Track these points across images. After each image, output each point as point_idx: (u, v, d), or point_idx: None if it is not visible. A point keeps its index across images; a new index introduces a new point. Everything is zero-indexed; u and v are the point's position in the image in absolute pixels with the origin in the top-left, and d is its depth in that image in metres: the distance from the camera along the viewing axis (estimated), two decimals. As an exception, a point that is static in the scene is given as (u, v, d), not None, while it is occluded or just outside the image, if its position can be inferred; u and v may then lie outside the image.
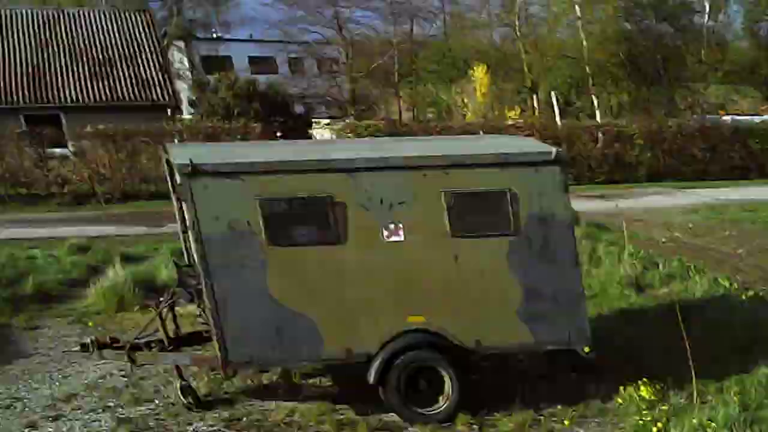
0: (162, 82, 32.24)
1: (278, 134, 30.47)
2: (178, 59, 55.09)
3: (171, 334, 11.48)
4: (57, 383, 11.96)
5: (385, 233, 9.96)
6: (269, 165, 9.77)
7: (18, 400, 11.41)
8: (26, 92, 31.05)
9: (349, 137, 29.10)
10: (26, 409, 11.09)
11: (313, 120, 35.50)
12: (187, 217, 9.81)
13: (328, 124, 34.84)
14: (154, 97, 31.71)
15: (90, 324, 14.53)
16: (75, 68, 32.39)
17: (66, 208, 27.01)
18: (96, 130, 27.50)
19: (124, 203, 27.53)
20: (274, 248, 9.71)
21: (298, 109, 41.99)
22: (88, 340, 11.14)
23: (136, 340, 11.23)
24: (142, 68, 32.71)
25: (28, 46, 33.14)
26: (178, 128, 28.48)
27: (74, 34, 34.15)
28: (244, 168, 9.70)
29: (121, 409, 10.91)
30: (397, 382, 10.03)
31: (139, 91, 31.76)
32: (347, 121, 35.50)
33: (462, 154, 10.33)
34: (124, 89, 31.71)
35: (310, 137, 32.54)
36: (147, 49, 33.76)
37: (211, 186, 9.57)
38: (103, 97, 31.31)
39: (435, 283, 10.05)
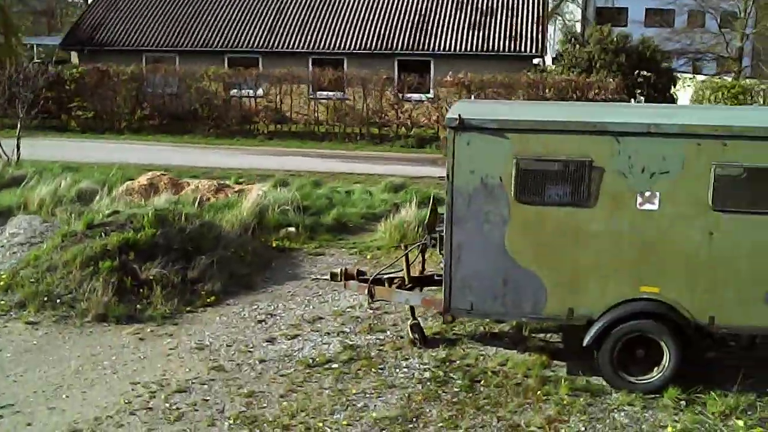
0: (534, 34, 31.93)
1: (637, 93, 28.91)
2: (570, 10, 54.35)
3: (416, 274, 11.61)
4: (311, 306, 12.58)
5: (639, 200, 9.80)
6: (534, 124, 9.94)
7: (271, 316, 12.26)
8: (403, 39, 32.42)
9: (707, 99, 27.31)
10: (274, 325, 11.81)
11: (677, 75, 32.93)
12: (446, 167, 10.25)
13: (688, 83, 32.47)
14: (523, 48, 31.50)
15: (368, 256, 15.04)
16: (455, 17, 33.16)
17: (407, 150, 28.12)
18: (453, 79, 28.14)
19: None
20: (520, 206, 10.00)
21: (675, 64, 39.58)
22: (338, 271, 11.57)
23: (379, 276, 11.50)
24: (519, 18, 32.64)
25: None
26: (534, 79, 28.07)
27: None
28: (508, 125, 9.96)
29: (353, 336, 11.24)
30: (612, 348, 9.92)
31: (510, 42, 31.76)
32: (709, 79, 32.44)
33: (743, 125, 9.60)
34: (496, 39, 31.93)
35: (670, 97, 30.38)
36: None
37: (473, 140, 10.01)
38: (475, 47, 31.76)
39: (681, 255, 9.76)
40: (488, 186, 10.05)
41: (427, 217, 11.87)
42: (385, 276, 11.85)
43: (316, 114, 30.11)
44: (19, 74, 23.59)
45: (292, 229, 16.51)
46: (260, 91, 31.49)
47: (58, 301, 12.43)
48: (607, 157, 9.72)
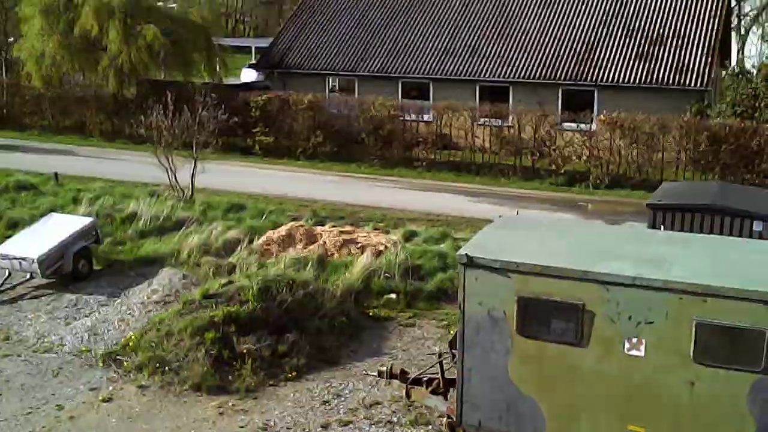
0: (701, 66, 31.38)
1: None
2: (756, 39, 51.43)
3: (448, 377, 12.99)
4: (376, 389, 14.30)
5: (627, 345, 10.73)
6: (532, 267, 11.11)
7: (338, 396, 14.19)
8: (569, 68, 32.91)
9: None
10: (335, 408, 13.70)
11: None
12: (458, 295, 11.69)
13: None
14: (689, 82, 31.05)
15: (452, 331, 16.44)
16: (622, 46, 33.13)
17: (555, 188, 29.01)
18: (605, 118, 28.60)
19: (611, 189, 28.25)
20: (521, 339, 11.26)
21: None
22: (384, 369, 13.18)
23: (418, 377, 13.01)
24: (688, 49, 32.13)
25: (583, 21, 34.78)
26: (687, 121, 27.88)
27: (631, 10, 34.72)
28: (510, 267, 11.24)
29: (398, 428, 12.87)
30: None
31: (677, 75, 31.38)
32: None
33: (724, 286, 10.26)
34: (662, 71, 31.61)
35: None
36: (702, 27, 32.95)
37: (480, 276, 11.39)
38: (640, 79, 31.68)
39: (665, 400, 10.61)
40: (494, 318, 11.30)
41: (451, 334, 13.14)
42: (426, 377, 13.27)
43: (478, 140, 31.29)
44: (200, 110, 25.63)
45: (393, 296, 18.17)
46: (428, 117, 33.34)
47: (167, 367, 14.86)
48: (598, 303, 10.68)
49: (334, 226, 23.66)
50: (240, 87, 38.64)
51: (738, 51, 48.92)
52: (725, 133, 27.27)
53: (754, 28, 50.02)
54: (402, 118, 32.20)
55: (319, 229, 22.73)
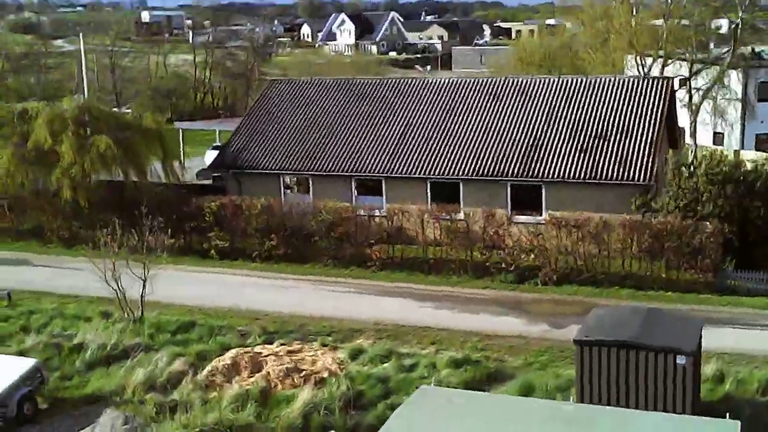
0: (644, 160, 32.13)
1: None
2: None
3: None
4: None
5: None
6: None
7: None
8: (516, 165, 33.59)
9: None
10: None
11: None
12: None
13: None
14: (633, 176, 31.75)
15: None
16: (567, 141, 33.82)
17: (506, 286, 29.45)
18: (549, 218, 29.37)
19: (559, 286, 28.82)
20: None
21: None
22: None
23: None
24: (631, 143, 32.87)
25: (528, 118, 35.63)
26: (632, 219, 28.59)
27: (575, 106, 35.63)
28: None
29: None
30: None
31: (619, 168, 32.07)
32: None
33: None
34: (605, 166, 32.29)
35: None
36: (645, 120, 33.78)
37: None
38: (583, 175, 32.38)
39: None
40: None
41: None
42: None
43: (431, 235, 31.68)
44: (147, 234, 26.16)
45: (332, 432, 18.46)
46: (383, 211, 33.97)
47: None
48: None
49: (282, 344, 24.10)
50: (195, 188, 39.09)
51: (690, 132, 49.71)
52: (666, 231, 27.88)
53: (705, 103, 50.91)
54: (355, 215, 32.61)
55: (265, 352, 23.07)
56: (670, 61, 50.64)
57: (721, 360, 21.45)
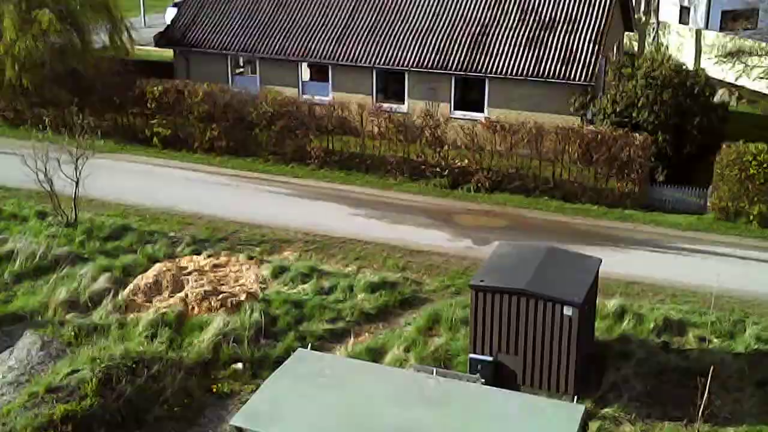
0: (586, 57, 31.81)
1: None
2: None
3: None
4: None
5: None
6: None
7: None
8: (461, 56, 33.19)
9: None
10: None
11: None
12: None
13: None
14: (573, 74, 31.54)
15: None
16: (511, 36, 33.22)
17: (439, 191, 29.96)
18: (486, 122, 29.59)
19: (492, 193, 29.40)
20: None
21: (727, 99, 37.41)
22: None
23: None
24: (576, 35, 32.38)
25: (478, 4, 34.85)
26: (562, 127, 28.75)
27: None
28: None
29: None
30: None
31: (563, 66, 31.77)
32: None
33: None
34: (549, 62, 31.98)
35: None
36: (593, 8, 33.13)
37: None
38: (527, 71, 32.09)
39: None
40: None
41: None
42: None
43: (374, 126, 31.62)
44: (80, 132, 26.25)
45: (239, 366, 19.27)
46: (330, 97, 33.99)
47: (7, 471, 16.05)
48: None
49: (210, 256, 24.71)
50: (144, 63, 38.50)
51: (654, 8, 48.13)
52: (596, 141, 28.03)
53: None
54: (297, 107, 32.43)
55: (190, 266, 23.71)
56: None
57: (624, 294, 22.22)
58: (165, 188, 29.57)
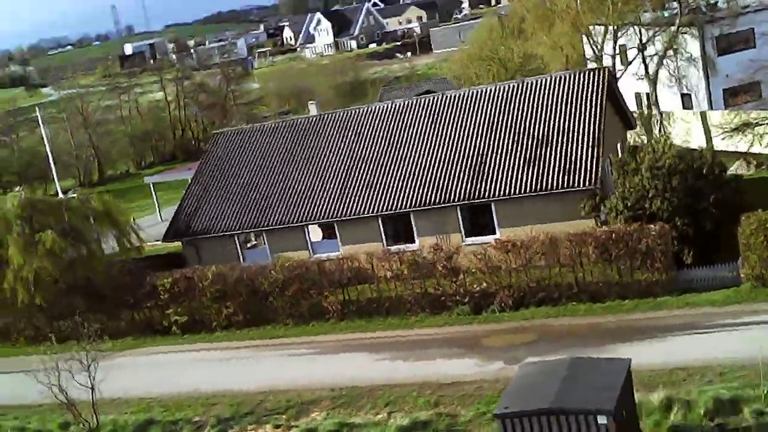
0: (587, 163, 31.34)
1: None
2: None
3: None
4: None
5: None
6: None
7: None
8: (463, 187, 32.91)
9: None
10: None
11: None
12: None
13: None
14: (576, 182, 31.00)
15: None
16: (509, 158, 32.89)
17: (462, 319, 28.96)
18: (497, 243, 28.95)
19: (517, 311, 28.37)
20: None
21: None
22: None
23: None
24: (574, 146, 32.04)
25: (470, 133, 34.81)
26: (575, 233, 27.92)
27: (520, 108, 34.70)
28: None
29: None
30: None
31: (565, 176, 31.25)
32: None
33: None
34: (550, 175, 31.49)
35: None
36: (585, 119, 32.84)
37: None
38: (528, 188, 31.57)
39: None
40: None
41: None
42: None
43: (387, 270, 31.00)
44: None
45: None
46: (339, 252, 33.66)
47: None
48: None
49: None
50: (157, 257, 38.77)
51: (652, 102, 48.03)
52: (611, 239, 27.13)
53: (665, 69, 49.25)
54: (306, 269, 31.99)
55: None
56: (620, 34, 49.16)
57: (668, 384, 20.77)
58: (187, 373, 28.91)
